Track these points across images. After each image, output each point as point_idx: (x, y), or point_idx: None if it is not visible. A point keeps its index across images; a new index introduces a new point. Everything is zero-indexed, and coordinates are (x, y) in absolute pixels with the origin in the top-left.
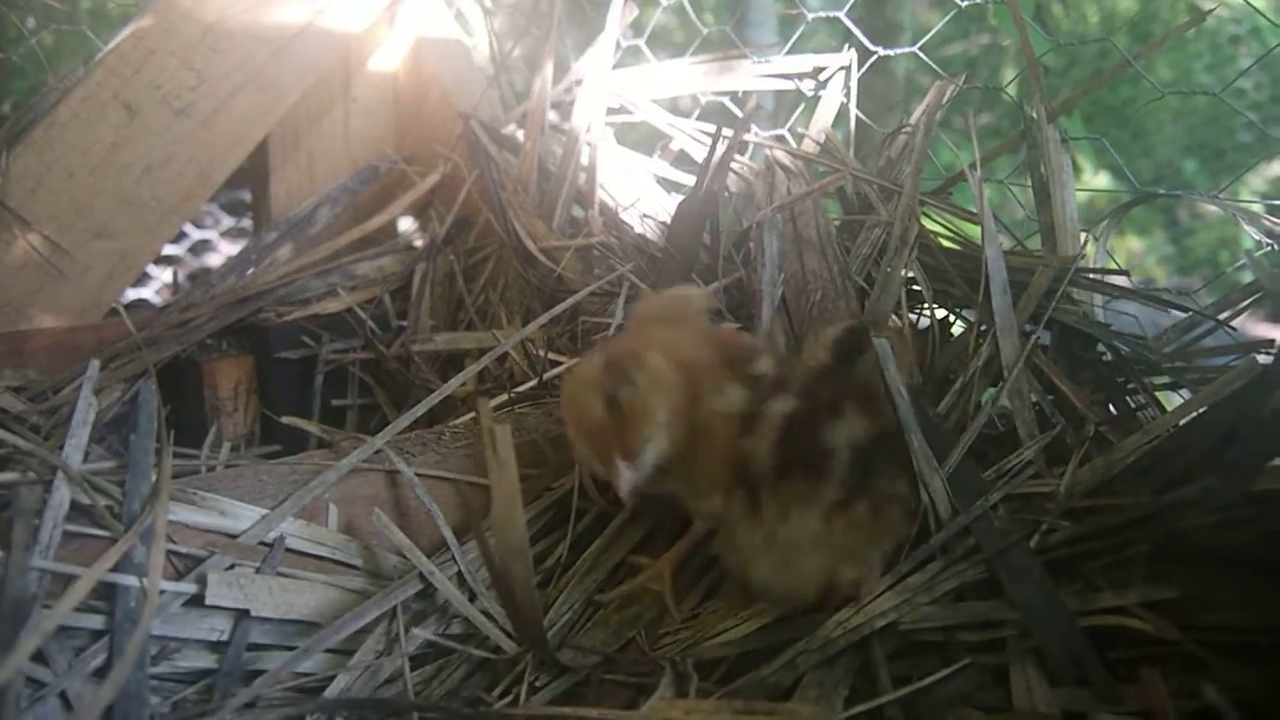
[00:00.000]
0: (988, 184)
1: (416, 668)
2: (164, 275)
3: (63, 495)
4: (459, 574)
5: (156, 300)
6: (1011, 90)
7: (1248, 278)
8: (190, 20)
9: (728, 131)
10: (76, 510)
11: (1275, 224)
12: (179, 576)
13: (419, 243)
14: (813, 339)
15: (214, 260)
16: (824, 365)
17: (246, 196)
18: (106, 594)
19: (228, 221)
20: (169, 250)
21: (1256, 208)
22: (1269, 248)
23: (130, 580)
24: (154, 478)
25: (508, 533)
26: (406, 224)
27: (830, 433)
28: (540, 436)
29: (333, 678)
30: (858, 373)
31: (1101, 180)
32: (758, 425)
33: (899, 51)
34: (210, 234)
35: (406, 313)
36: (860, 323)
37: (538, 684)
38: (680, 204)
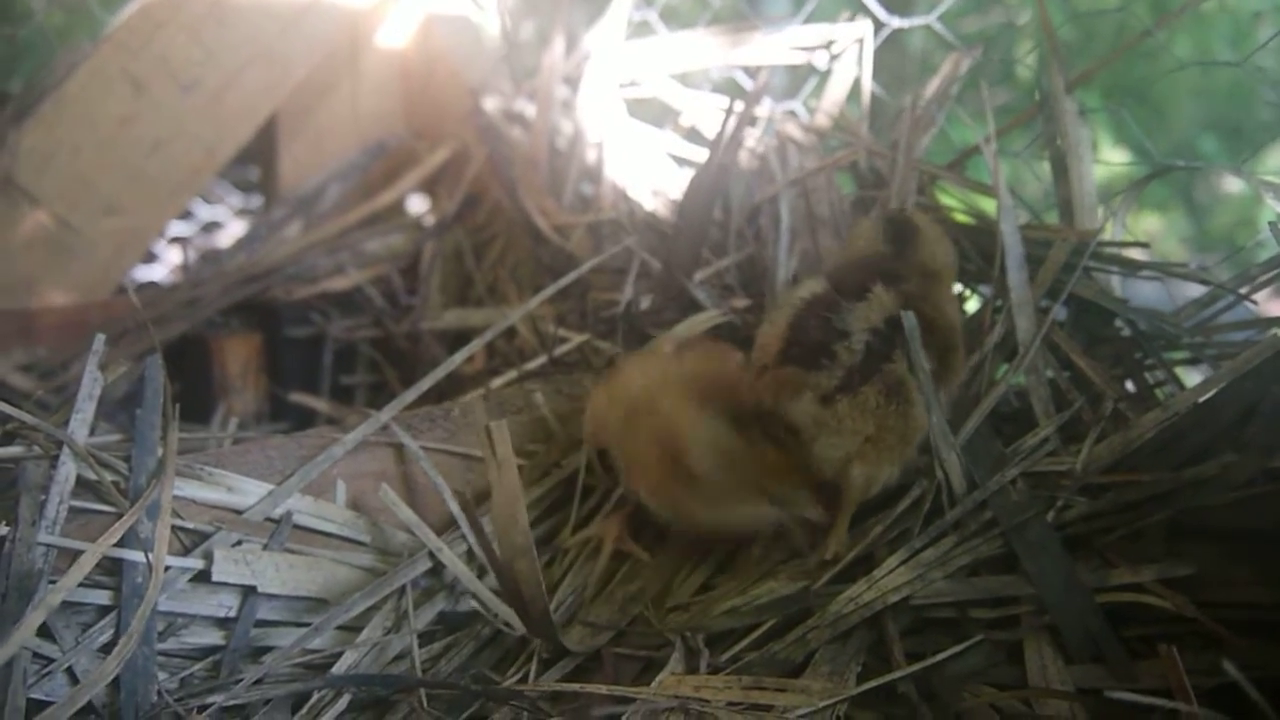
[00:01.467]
0: (1004, 159)
1: (425, 644)
2: (174, 255)
3: (69, 470)
4: (468, 551)
5: (168, 279)
6: (1029, 63)
7: (1266, 254)
8: None
9: (739, 105)
10: (82, 486)
11: None
12: (185, 552)
13: (428, 220)
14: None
15: (224, 239)
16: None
17: (255, 174)
18: (113, 569)
19: (237, 200)
20: (179, 231)
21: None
22: None
23: (136, 556)
24: (160, 453)
25: (511, 532)
26: (416, 201)
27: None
28: (549, 412)
29: (340, 654)
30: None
31: (1120, 156)
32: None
33: (914, 23)
34: (220, 212)
35: (416, 290)
36: (899, 210)
37: (546, 659)
38: (692, 179)
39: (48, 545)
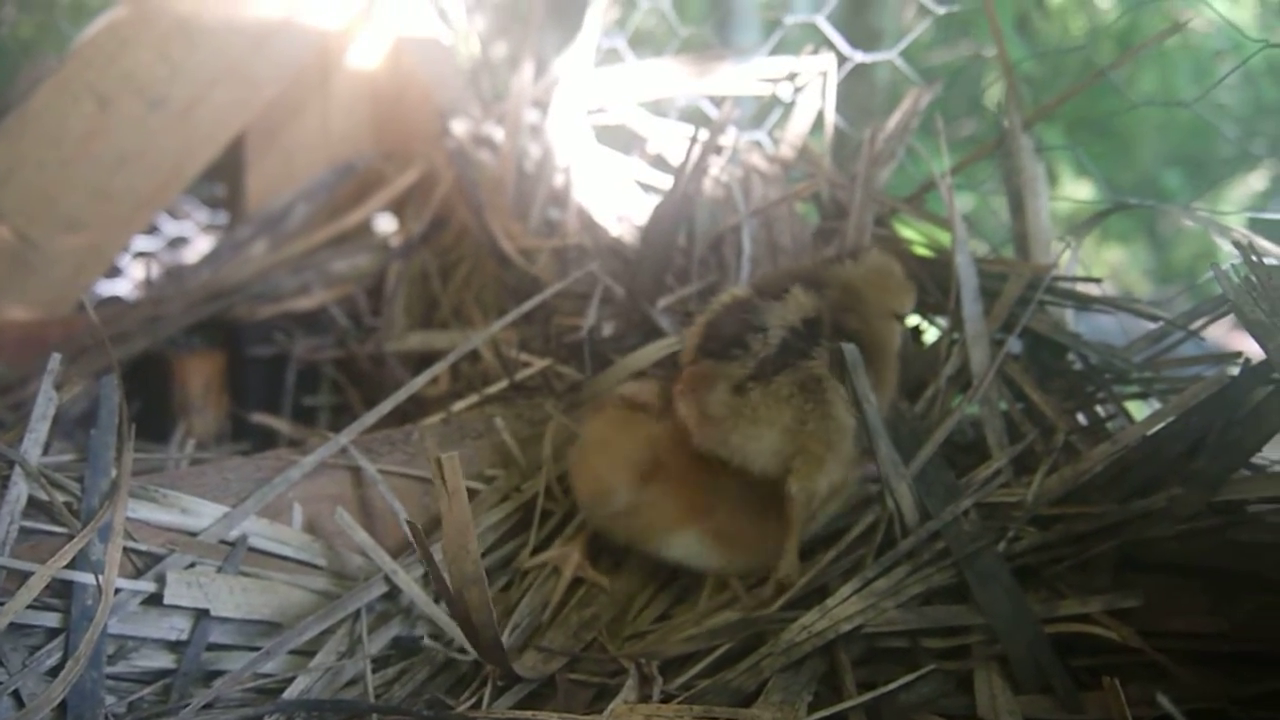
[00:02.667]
0: (970, 192)
1: (379, 669)
2: (138, 271)
3: (20, 490)
4: (425, 575)
5: (131, 296)
6: (992, 96)
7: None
8: (166, 11)
9: (704, 134)
10: (34, 506)
11: (1245, 237)
12: (138, 574)
13: (395, 241)
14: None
15: (190, 255)
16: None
17: (223, 191)
18: (63, 591)
19: (204, 216)
20: (144, 245)
21: (1235, 219)
22: (1238, 260)
23: (86, 578)
24: (114, 474)
25: (462, 561)
26: (383, 222)
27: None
28: (509, 437)
29: (293, 679)
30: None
31: (1083, 189)
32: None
33: (877, 58)
34: (186, 228)
35: (381, 311)
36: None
37: (500, 685)
38: (656, 206)
39: None
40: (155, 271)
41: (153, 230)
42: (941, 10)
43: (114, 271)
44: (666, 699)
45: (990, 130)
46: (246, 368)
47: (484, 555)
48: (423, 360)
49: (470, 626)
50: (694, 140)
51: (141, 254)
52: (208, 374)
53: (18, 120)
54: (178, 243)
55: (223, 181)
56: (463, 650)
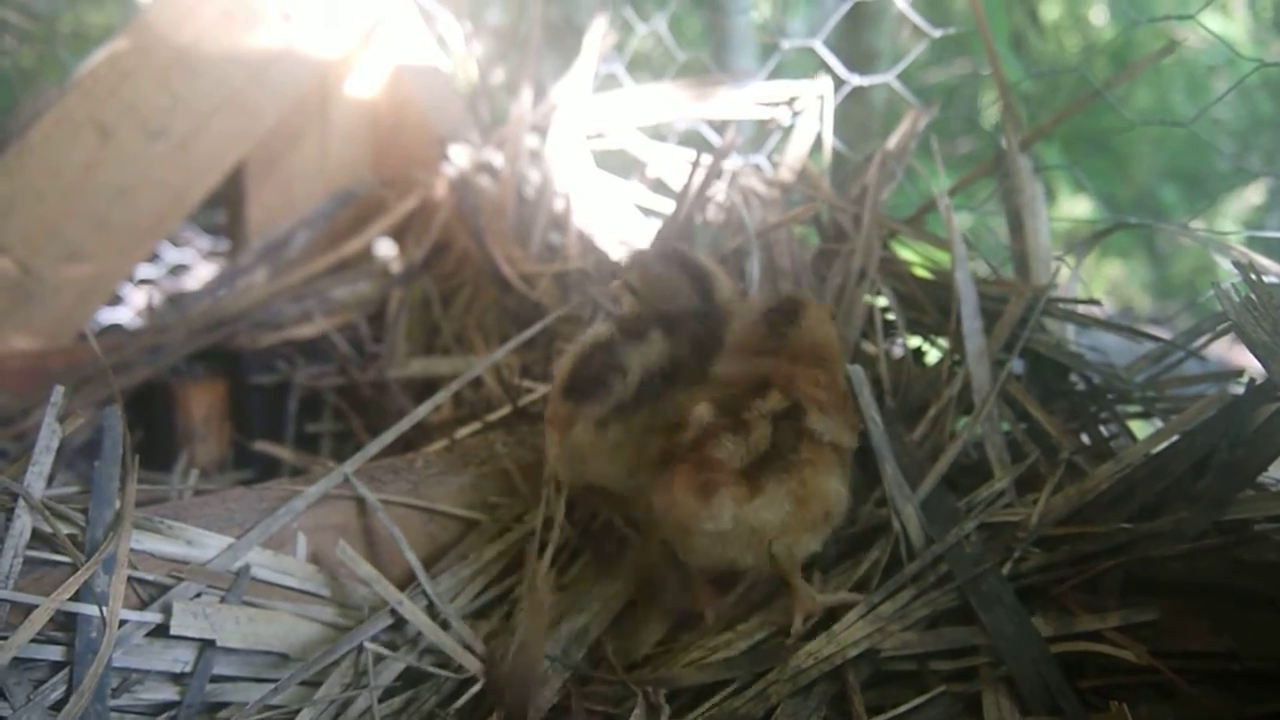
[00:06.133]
0: (968, 212)
1: (385, 699)
2: (140, 298)
3: (24, 523)
4: (430, 604)
5: (133, 323)
6: (988, 115)
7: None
8: (166, 43)
9: (706, 159)
10: (38, 538)
11: (1245, 255)
12: (143, 606)
13: (395, 267)
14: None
15: (191, 282)
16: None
17: (224, 218)
18: (66, 624)
19: (205, 243)
20: (146, 273)
21: (1234, 238)
22: (1238, 279)
23: (91, 610)
24: (118, 505)
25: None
26: (383, 248)
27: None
28: (512, 465)
29: (299, 710)
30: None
31: (1081, 205)
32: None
33: (874, 81)
34: (188, 256)
35: (382, 338)
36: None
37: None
38: (658, 231)
39: (0, 600)
40: (156, 298)
41: (154, 257)
42: (937, 34)
43: (115, 299)
44: None
45: (988, 148)
46: (249, 395)
47: (485, 589)
48: (425, 386)
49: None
50: (696, 164)
51: (143, 281)
52: (210, 402)
53: (19, 151)
54: (179, 269)
55: (223, 208)
56: (472, 679)
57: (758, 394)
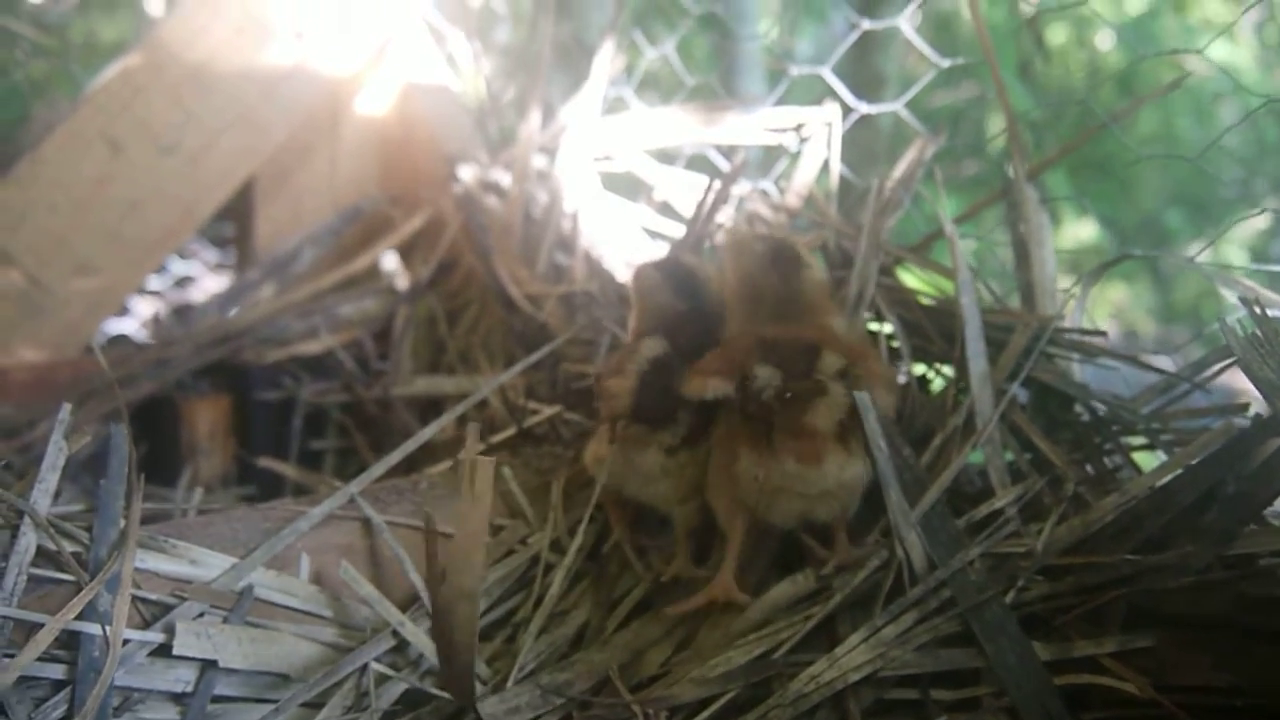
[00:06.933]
0: (973, 239)
1: None
2: (146, 309)
3: (29, 541)
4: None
5: (139, 335)
6: (995, 144)
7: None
8: (179, 59)
9: (717, 184)
10: (43, 556)
11: (1251, 289)
12: (146, 625)
13: (402, 285)
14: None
15: (198, 294)
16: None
17: (231, 230)
18: (70, 643)
19: (212, 255)
20: (152, 285)
21: (1239, 268)
22: (1244, 314)
23: (94, 629)
24: (123, 524)
25: (463, 574)
26: (390, 266)
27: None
28: (516, 487)
29: None
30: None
31: (1086, 229)
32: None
33: (882, 109)
34: (195, 268)
35: (388, 355)
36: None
37: None
38: (662, 260)
39: (4, 618)
40: (162, 311)
41: (160, 269)
42: (945, 64)
43: (121, 310)
44: None
45: (993, 172)
46: (254, 411)
47: (489, 609)
48: (429, 405)
49: (448, 644)
50: (709, 190)
51: (149, 292)
52: (215, 417)
53: (30, 164)
54: (185, 281)
55: (231, 222)
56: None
57: (813, 355)
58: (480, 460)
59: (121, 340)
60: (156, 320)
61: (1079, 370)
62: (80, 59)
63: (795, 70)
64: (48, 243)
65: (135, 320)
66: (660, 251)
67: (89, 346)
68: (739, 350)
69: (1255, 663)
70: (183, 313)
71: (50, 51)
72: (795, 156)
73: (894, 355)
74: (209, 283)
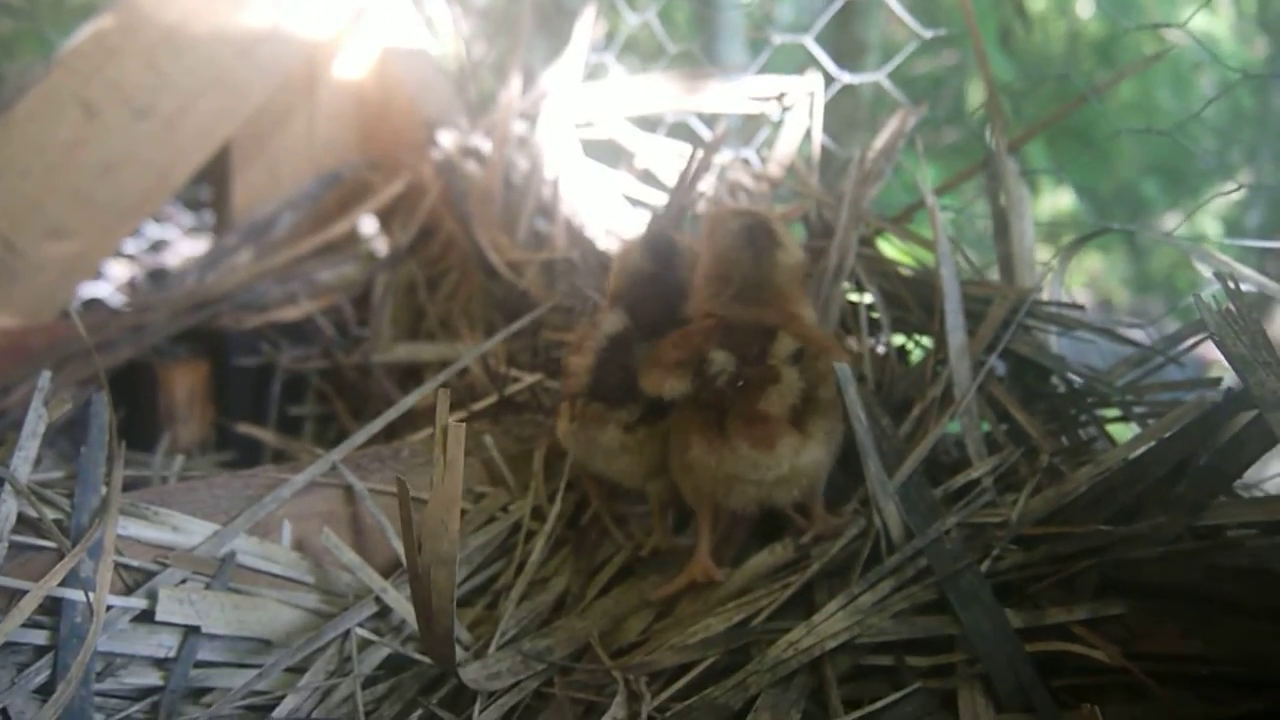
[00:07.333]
0: (954, 210)
1: (368, 686)
2: (121, 274)
3: (9, 508)
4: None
5: (113, 298)
6: (978, 118)
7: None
8: (153, 20)
9: (700, 154)
10: (24, 523)
11: (1225, 264)
12: (128, 591)
13: (381, 251)
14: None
15: (173, 258)
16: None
17: (207, 193)
18: (52, 609)
19: (187, 218)
20: (127, 248)
21: (1214, 242)
22: (1218, 288)
23: (77, 595)
24: (104, 491)
25: (439, 538)
26: (369, 231)
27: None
28: (497, 455)
29: (282, 698)
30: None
31: (1064, 198)
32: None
33: (863, 79)
34: (170, 231)
35: (367, 321)
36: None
37: (491, 698)
38: (650, 222)
39: None
40: (138, 275)
41: (135, 232)
42: (928, 35)
43: (96, 274)
44: (655, 715)
45: (973, 140)
46: (232, 377)
47: (470, 576)
48: (409, 371)
49: (426, 609)
50: (691, 159)
51: (124, 256)
52: (193, 383)
53: (2, 127)
54: (160, 245)
55: (208, 186)
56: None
57: (767, 338)
58: (453, 425)
59: (97, 305)
60: (132, 285)
61: (1055, 342)
62: (49, 19)
63: (777, 38)
64: (21, 207)
65: (110, 285)
66: (647, 222)
67: (65, 312)
68: (697, 335)
69: (1222, 632)
70: (158, 277)
71: (18, 10)
72: (777, 125)
73: (874, 326)
74: (184, 247)
